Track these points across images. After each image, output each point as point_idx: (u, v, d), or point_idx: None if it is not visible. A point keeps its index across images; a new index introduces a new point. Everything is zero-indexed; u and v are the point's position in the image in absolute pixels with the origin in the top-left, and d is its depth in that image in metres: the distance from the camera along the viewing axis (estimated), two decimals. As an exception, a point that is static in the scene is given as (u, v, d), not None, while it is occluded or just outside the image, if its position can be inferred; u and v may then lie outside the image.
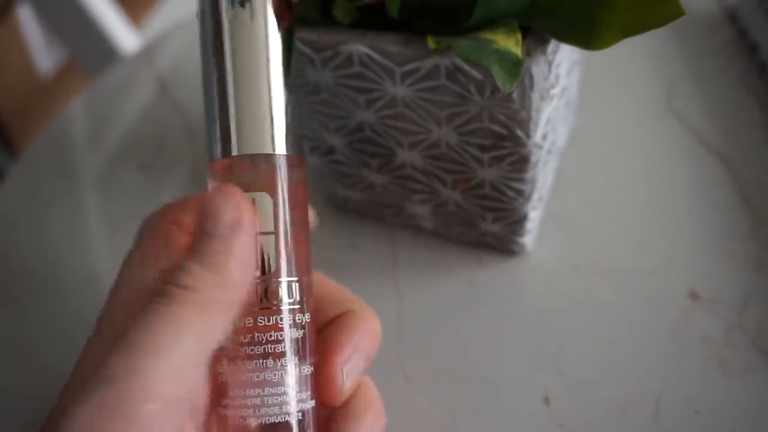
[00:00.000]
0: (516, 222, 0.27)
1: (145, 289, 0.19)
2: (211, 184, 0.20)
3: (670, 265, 0.28)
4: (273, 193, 0.20)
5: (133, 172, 0.36)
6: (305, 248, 0.20)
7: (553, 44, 0.22)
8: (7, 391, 0.28)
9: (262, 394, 0.19)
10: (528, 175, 0.25)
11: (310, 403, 0.20)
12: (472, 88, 0.22)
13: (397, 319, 0.28)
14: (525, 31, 0.22)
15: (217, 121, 0.20)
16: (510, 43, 0.20)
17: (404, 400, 0.25)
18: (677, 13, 0.19)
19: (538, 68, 0.22)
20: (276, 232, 0.19)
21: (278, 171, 0.20)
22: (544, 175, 0.27)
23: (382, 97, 0.24)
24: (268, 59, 0.20)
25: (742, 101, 0.33)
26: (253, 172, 0.20)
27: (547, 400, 0.25)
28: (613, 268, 0.28)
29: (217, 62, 0.20)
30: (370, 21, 0.24)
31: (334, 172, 0.29)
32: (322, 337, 0.21)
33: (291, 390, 0.19)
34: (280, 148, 0.20)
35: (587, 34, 0.21)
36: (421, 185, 0.27)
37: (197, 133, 0.38)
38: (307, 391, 0.19)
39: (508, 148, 0.24)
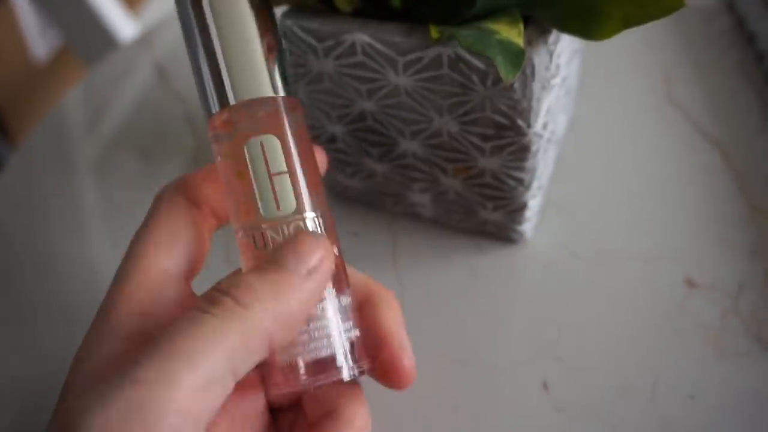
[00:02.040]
0: (516, 210, 0.27)
1: (159, 276, 0.19)
2: (214, 144, 0.20)
3: (667, 252, 0.28)
4: (279, 135, 0.20)
5: (132, 161, 0.36)
6: (319, 184, 0.21)
7: (554, 34, 0.23)
8: (5, 378, 0.29)
9: (308, 329, 0.19)
10: (528, 164, 0.25)
11: (355, 332, 0.20)
12: (475, 78, 0.22)
13: (398, 306, 0.28)
14: (526, 21, 0.22)
15: (209, 74, 0.20)
16: (513, 33, 0.21)
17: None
18: (678, 4, 0.19)
19: (539, 58, 0.22)
20: (291, 171, 0.19)
21: (281, 112, 0.20)
22: (543, 163, 0.27)
23: (385, 86, 0.24)
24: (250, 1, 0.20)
25: (739, 90, 0.34)
26: (254, 118, 0.20)
27: (545, 386, 0.25)
28: (611, 256, 0.28)
29: (196, 13, 0.20)
30: (372, 10, 0.24)
31: (335, 161, 0.29)
32: (366, 323, 0.21)
33: (334, 322, 0.19)
34: (278, 89, 0.20)
35: (589, 24, 0.21)
36: (422, 174, 0.28)
37: (197, 120, 0.38)
38: (349, 320, 0.20)
39: (509, 137, 0.24)
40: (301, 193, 0.20)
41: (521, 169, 0.25)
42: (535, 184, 0.26)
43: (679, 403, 0.24)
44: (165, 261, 0.19)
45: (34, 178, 0.37)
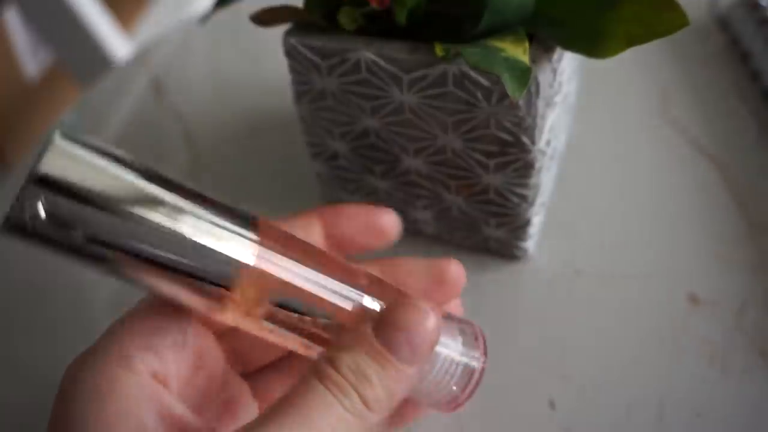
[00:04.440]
0: (519, 227, 0.27)
1: (175, 315, 0.19)
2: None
3: (670, 269, 0.28)
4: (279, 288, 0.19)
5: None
6: (341, 269, 0.20)
7: (558, 52, 0.23)
8: (3, 399, 0.28)
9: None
10: (532, 181, 0.25)
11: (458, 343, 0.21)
12: (479, 95, 0.22)
13: (401, 324, 0.28)
14: (530, 39, 0.22)
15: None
16: (518, 51, 0.21)
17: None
18: (682, 22, 0.20)
19: (544, 76, 0.22)
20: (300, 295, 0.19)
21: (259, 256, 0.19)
22: (546, 180, 0.27)
23: (389, 103, 0.24)
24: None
25: (735, 108, 0.34)
26: (246, 288, 0.19)
27: (552, 404, 0.25)
28: (614, 273, 0.28)
29: None
30: (376, 28, 0.24)
31: (337, 178, 0.29)
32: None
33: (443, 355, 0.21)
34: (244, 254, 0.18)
35: (592, 43, 0.21)
36: (424, 191, 0.28)
37: (193, 137, 0.38)
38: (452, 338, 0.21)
39: (513, 154, 0.24)
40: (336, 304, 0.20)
41: (525, 185, 0.25)
42: (538, 201, 0.26)
43: (687, 421, 0.24)
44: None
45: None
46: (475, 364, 0.21)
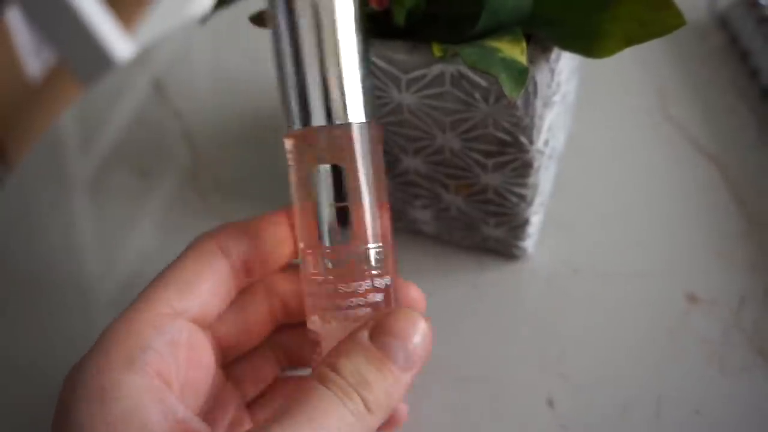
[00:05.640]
0: (518, 226, 0.27)
1: (166, 313, 0.19)
2: (289, 155, 0.21)
3: (668, 267, 0.28)
4: (347, 164, 0.20)
5: (129, 178, 0.36)
6: (383, 215, 0.21)
7: (555, 52, 0.23)
8: (2, 396, 0.28)
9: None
10: (530, 181, 0.25)
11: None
12: (477, 95, 0.23)
13: (401, 323, 0.28)
14: (528, 39, 0.22)
15: (290, 88, 0.20)
16: (516, 51, 0.21)
17: (407, 402, 0.26)
18: (679, 22, 0.20)
19: (541, 76, 0.22)
20: (353, 202, 0.20)
21: (353, 141, 0.20)
22: (545, 180, 0.27)
23: (388, 103, 0.24)
24: (335, 25, 0.20)
25: (734, 106, 0.34)
26: (325, 143, 0.20)
27: (550, 402, 0.25)
28: (612, 271, 0.29)
29: (290, 29, 0.20)
30: (374, 28, 0.24)
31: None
32: None
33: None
34: (357, 115, 0.20)
35: (590, 43, 0.21)
36: (423, 191, 0.28)
37: (194, 137, 0.38)
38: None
39: (512, 153, 0.24)
40: (362, 226, 0.20)
41: (523, 185, 0.25)
42: (536, 201, 0.27)
43: (685, 418, 0.24)
44: (175, 301, 0.20)
45: (30, 198, 0.37)
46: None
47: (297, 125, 0.20)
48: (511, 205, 0.26)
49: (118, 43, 0.73)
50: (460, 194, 0.27)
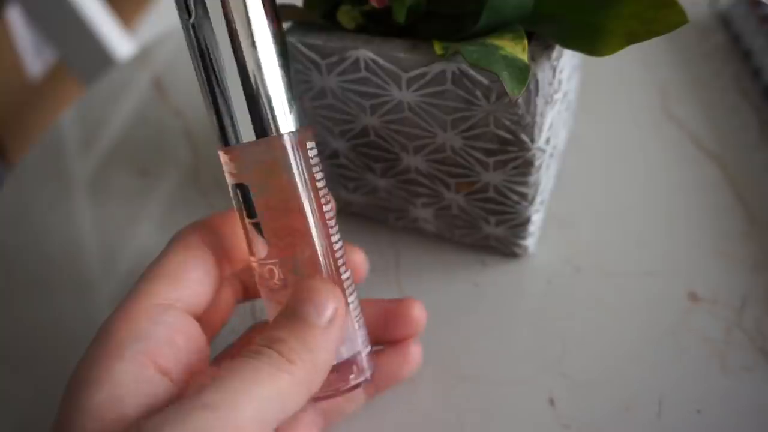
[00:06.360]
0: (519, 225, 0.27)
1: (160, 304, 0.20)
2: (226, 172, 0.21)
3: (670, 266, 0.28)
4: (258, 180, 0.20)
5: (129, 176, 0.36)
6: (319, 211, 0.21)
7: (557, 50, 0.23)
8: (2, 395, 0.28)
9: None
10: (532, 179, 0.25)
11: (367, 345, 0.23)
12: (478, 93, 0.23)
13: (401, 322, 0.28)
14: (529, 37, 0.22)
15: (212, 111, 0.21)
16: (517, 49, 0.21)
17: (409, 401, 0.26)
18: (681, 20, 0.20)
19: (543, 74, 0.22)
20: (263, 218, 0.21)
21: (272, 155, 0.20)
22: (546, 178, 0.27)
23: (388, 102, 0.24)
24: (251, 38, 0.20)
25: (736, 105, 0.34)
26: (245, 160, 0.20)
27: (552, 401, 0.25)
28: (614, 270, 0.28)
29: (200, 50, 0.20)
30: (375, 26, 0.24)
31: (337, 176, 0.29)
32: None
33: (352, 329, 0.22)
34: (276, 127, 0.20)
35: (592, 41, 0.21)
36: (424, 189, 0.28)
37: (194, 135, 0.38)
38: (364, 329, 0.23)
39: (513, 152, 0.24)
40: (280, 237, 0.21)
41: (524, 183, 0.25)
42: (538, 199, 0.26)
43: (686, 417, 0.24)
44: (167, 292, 0.20)
45: (30, 196, 0.37)
46: (367, 372, 0.22)
47: (221, 143, 0.21)
48: (512, 203, 0.26)
49: (119, 42, 0.73)
50: (461, 192, 0.27)
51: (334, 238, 0.22)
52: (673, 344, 0.26)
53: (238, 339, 0.25)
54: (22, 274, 0.33)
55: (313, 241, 0.21)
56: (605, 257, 0.29)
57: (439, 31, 0.23)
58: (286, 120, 0.20)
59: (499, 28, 0.22)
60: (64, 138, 0.40)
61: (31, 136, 0.86)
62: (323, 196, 0.21)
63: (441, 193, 0.27)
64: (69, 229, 0.34)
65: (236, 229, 0.22)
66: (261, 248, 0.21)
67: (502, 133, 0.24)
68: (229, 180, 0.21)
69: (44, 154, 0.39)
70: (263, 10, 0.20)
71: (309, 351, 0.19)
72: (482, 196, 0.26)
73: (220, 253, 0.22)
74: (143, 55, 0.43)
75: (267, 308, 0.22)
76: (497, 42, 0.21)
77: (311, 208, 0.21)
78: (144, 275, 0.21)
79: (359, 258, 0.25)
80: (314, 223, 0.21)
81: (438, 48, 0.22)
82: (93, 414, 0.17)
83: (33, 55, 0.89)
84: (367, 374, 0.22)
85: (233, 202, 0.21)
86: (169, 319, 0.20)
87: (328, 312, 0.20)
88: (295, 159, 0.21)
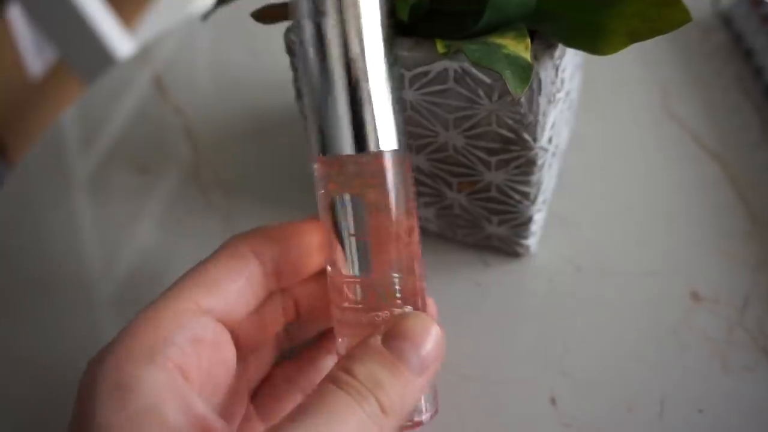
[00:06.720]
0: (521, 224, 0.27)
1: (190, 309, 0.19)
2: (316, 181, 0.20)
3: (672, 266, 0.28)
4: (373, 193, 0.20)
5: (130, 175, 0.36)
6: (414, 239, 0.21)
7: (559, 49, 0.23)
8: (3, 395, 0.28)
9: None
10: (534, 178, 0.25)
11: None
12: (481, 92, 0.22)
13: (403, 321, 0.28)
14: (532, 36, 0.22)
15: (314, 117, 0.20)
16: (520, 48, 0.21)
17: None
18: (685, 18, 0.20)
19: (545, 73, 0.22)
20: (379, 234, 0.20)
21: (379, 170, 0.19)
22: (548, 177, 0.27)
23: (390, 100, 0.24)
24: (363, 52, 0.19)
25: (737, 104, 0.34)
26: (349, 172, 0.20)
27: (553, 400, 0.25)
28: (616, 270, 0.28)
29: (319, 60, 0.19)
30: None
31: (338, 175, 0.29)
32: None
33: None
34: (384, 143, 0.19)
35: (594, 39, 0.21)
36: (426, 188, 0.28)
37: (195, 133, 0.38)
38: None
39: (515, 151, 0.24)
40: (383, 258, 0.20)
41: (527, 183, 0.25)
42: (540, 198, 0.26)
43: (688, 417, 0.24)
44: (202, 299, 0.19)
45: (31, 195, 0.37)
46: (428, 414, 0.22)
47: (321, 152, 0.20)
48: (514, 202, 0.26)
49: (119, 40, 0.73)
50: (463, 192, 0.27)
51: (423, 269, 0.21)
52: (675, 344, 0.26)
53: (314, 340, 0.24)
54: (23, 273, 0.33)
55: (415, 268, 0.20)
56: (607, 256, 0.29)
57: (442, 29, 0.23)
58: (401, 136, 0.20)
59: (502, 26, 0.22)
60: (65, 136, 0.40)
61: (32, 135, 0.86)
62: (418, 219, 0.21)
63: (443, 192, 0.27)
64: (70, 227, 0.34)
65: (304, 241, 0.21)
66: (355, 265, 0.20)
67: (504, 132, 0.23)
68: (332, 189, 0.20)
69: (45, 153, 0.39)
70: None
71: (403, 405, 0.18)
72: (484, 196, 0.26)
73: (272, 265, 0.21)
74: (143, 54, 0.43)
75: (336, 325, 0.21)
76: (500, 41, 0.21)
77: (414, 232, 0.20)
78: (181, 277, 0.20)
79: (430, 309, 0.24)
80: (416, 249, 0.20)
81: (440, 46, 0.22)
82: (132, 421, 0.17)
83: (34, 54, 0.89)
84: (432, 411, 0.21)
85: (324, 212, 0.20)
86: (198, 326, 0.19)
87: (430, 364, 0.19)
88: (405, 179, 0.20)
